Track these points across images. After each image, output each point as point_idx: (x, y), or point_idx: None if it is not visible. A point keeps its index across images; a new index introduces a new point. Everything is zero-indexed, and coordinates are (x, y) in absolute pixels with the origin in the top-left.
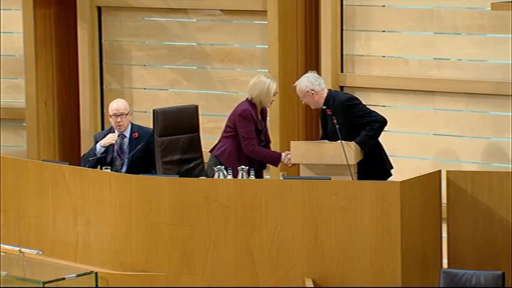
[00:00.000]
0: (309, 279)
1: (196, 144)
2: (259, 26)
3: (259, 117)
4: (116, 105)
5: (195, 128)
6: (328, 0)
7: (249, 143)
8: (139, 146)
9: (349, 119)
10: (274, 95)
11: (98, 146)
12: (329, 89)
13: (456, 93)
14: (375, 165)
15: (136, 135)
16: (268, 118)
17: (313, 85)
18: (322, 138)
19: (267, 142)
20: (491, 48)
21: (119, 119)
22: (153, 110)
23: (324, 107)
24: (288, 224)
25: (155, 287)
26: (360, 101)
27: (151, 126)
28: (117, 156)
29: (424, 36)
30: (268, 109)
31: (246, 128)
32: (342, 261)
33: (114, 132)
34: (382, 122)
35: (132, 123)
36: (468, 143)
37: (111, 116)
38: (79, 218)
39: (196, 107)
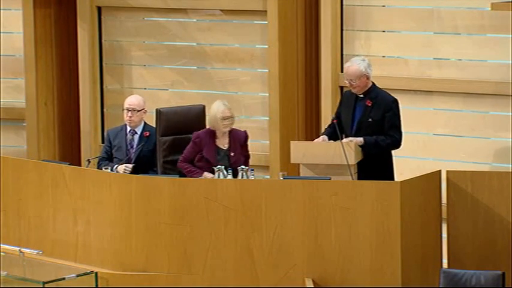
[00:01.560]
0: (309, 279)
1: None
2: (259, 26)
3: (218, 142)
4: (130, 100)
5: (202, 128)
6: (328, 0)
7: (180, 157)
8: (139, 146)
9: (384, 118)
10: (223, 119)
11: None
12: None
13: (456, 93)
14: (383, 171)
15: (147, 134)
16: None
17: (370, 71)
18: (330, 126)
19: (233, 167)
20: (491, 48)
21: (129, 114)
22: (156, 109)
23: (362, 96)
24: (288, 224)
25: (155, 287)
26: (399, 110)
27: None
28: (126, 151)
29: (424, 36)
30: (243, 135)
31: (187, 146)
32: (342, 261)
33: (126, 127)
34: (396, 145)
35: (145, 122)
36: (468, 143)
37: (123, 110)
38: (79, 218)
39: (203, 107)
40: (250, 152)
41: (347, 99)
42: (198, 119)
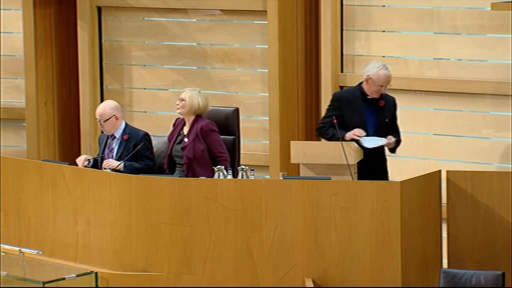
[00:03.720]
0: (309, 279)
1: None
2: (259, 26)
3: (184, 128)
4: (97, 110)
5: (233, 131)
6: (328, 0)
7: None
8: (134, 150)
9: (393, 116)
10: (178, 100)
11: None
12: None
13: (456, 93)
14: (381, 172)
15: (126, 137)
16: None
17: None
18: (330, 127)
19: (183, 152)
20: (491, 48)
21: (98, 124)
22: None
23: (373, 97)
24: (288, 224)
25: (155, 287)
26: None
27: (148, 126)
28: (106, 156)
29: (424, 36)
30: (201, 124)
31: None
32: (342, 261)
33: None
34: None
35: (126, 124)
36: (468, 143)
37: None
38: (79, 218)
39: (237, 110)
40: (226, 153)
41: (349, 102)
42: (228, 121)
